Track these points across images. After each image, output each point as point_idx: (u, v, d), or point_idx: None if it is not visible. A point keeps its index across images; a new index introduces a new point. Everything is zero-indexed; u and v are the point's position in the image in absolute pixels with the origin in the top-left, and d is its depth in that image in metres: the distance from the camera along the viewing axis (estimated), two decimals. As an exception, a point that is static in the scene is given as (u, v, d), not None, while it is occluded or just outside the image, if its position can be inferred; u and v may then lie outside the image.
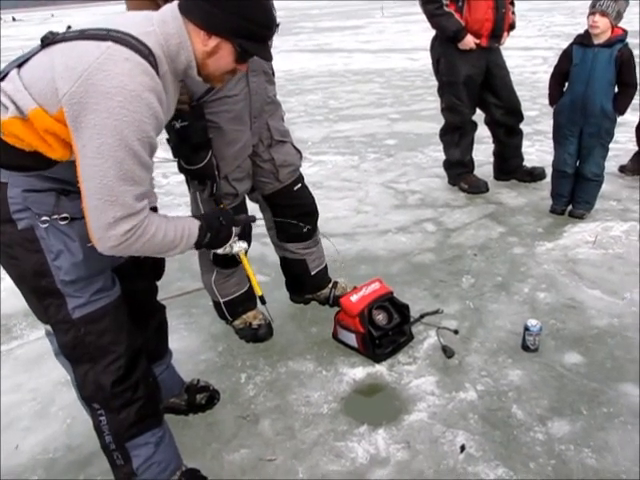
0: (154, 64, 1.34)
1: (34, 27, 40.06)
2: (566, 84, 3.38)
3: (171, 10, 1.43)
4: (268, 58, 1.61)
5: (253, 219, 1.97)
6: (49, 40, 1.36)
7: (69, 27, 1.48)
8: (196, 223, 1.58)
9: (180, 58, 1.43)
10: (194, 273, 2.75)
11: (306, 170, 2.72)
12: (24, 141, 1.34)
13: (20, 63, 1.38)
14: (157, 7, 1.68)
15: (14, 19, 60.16)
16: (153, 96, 1.32)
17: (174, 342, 2.35)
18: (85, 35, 1.33)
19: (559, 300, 2.72)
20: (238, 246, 1.87)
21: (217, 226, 1.68)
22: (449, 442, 1.95)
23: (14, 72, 1.36)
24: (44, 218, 1.41)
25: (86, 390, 1.59)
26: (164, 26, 1.40)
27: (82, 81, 1.25)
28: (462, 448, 1.92)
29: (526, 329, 2.34)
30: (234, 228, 1.78)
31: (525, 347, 2.37)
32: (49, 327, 1.58)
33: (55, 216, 1.42)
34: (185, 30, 1.42)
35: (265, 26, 1.51)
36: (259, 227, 2.83)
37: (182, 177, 2.31)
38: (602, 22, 3.10)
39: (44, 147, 1.35)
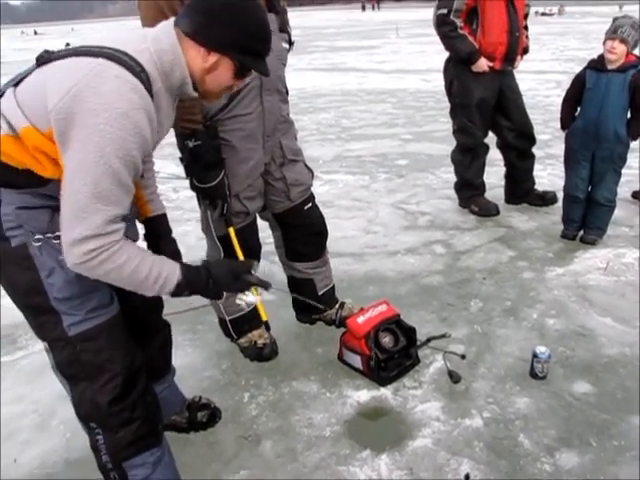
0: (146, 82, 1.33)
1: (54, 40, 40.77)
2: (578, 108, 3.38)
3: (165, 27, 1.42)
4: (265, 73, 1.57)
5: (267, 286, 1.67)
6: (44, 59, 1.36)
7: (67, 45, 1.49)
8: (176, 275, 1.45)
9: (175, 74, 1.41)
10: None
11: (317, 189, 2.72)
12: (15, 159, 1.33)
13: (17, 82, 1.38)
14: None
15: (36, 33, 61.32)
16: (141, 115, 1.30)
17: (178, 358, 2.34)
18: (78, 52, 1.33)
19: (569, 327, 2.68)
20: (244, 302, 1.70)
21: (201, 288, 1.53)
22: (453, 470, 1.91)
23: (10, 91, 1.36)
24: (38, 236, 1.39)
25: (83, 408, 1.57)
26: (157, 43, 1.38)
27: (70, 96, 1.24)
28: (467, 477, 1.87)
29: (534, 356, 2.30)
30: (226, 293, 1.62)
31: (533, 374, 2.33)
32: (46, 344, 1.56)
33: (49, 234, 1.40)
34: (179, 46, 1.40)
35: (263, 40, 1.49)
36: (268, 245, 2.82)
37: (192, 192, 2.31)
38: (620, 49, 3.12)
39: (35, 165, 1.34)
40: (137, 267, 1.37)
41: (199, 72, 1.44)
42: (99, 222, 1.29)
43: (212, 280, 1.53)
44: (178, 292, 1.47)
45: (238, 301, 1.69)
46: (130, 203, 1.39)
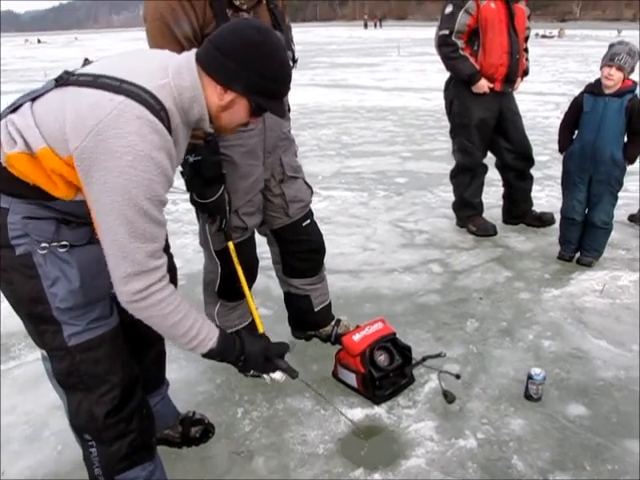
0: (165, 120, 1.34)
1: (58, 49, 41.06)
2: (576, 132, 3.41)
3: (187, 61, 1.42)
4: (282, 115, 1.62)
5: (294, 375, 1.72)
6: (63, 81, 1.37)
7: (86, 60, 1.49)
8: (212, 342, 1.51)
9: (193, 111, 1.43)
10: (198, 304, 2.73)
11: (315, 205, 2.73)
12: (29, 177, 1.34)
13: (34, 97, 1.38)
14: (181, 49, 1.70)
15: (39, 41, 61.83)
16: (163, 154, 1.32)
17: (172, 372, 2.33)
18: (98, 83, 1.32)
19: (564, 349, 2.68)
20: (269, 377, 1.71)
21: (232, 361, 1.61)
22: (446, 491, 1.90)
23: (27, 106, 1.36)
24: (43, 245, 1.40)
25: (78, 420, 1.57)
26: (179, 78, 1.38)
27: (92, 136, 1.25)
28: (459, 499, 1.86)
29: (529, 377, 2.30)
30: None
31: (528, 396, 2.32)
32: (45, 352, 1.56)
33: (55, 243, 1.41)
34: (200, 83, 1.41)
35: (282, 83, 1.50)
36: (265, 260, 2.82)
37: (191, 205, 2.31)
38: (617, 76, 3.16)
39: (48, 185, 1.35)
40: (178, 322, 1.43)
41: (215, 108, 1.46)
42: (140, 258, 1.33)
43: (244, 357, 1.60)
44: (209, 356, 1.55)
45: (265, 376, 1.72)
46: (165, 234, 1.43)
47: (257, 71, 1.41)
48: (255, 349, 1.63)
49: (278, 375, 1.71)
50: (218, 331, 1.53)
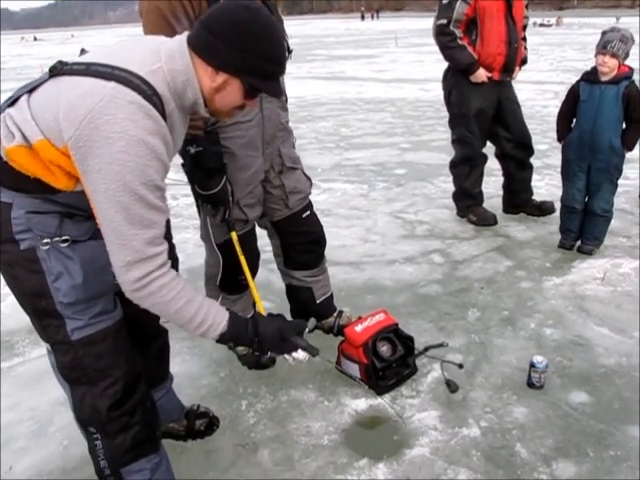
0: (159, 105, 1.33)
1: (54, 47, 40.94)
2: (574, 120, 3.40)
3: (179, 44, 1.40)
4: (278, 95, 1.57)
5: (314, 353, 1.65)
6: (57, 71, 1.36)
7: (82, 50, 1.49)
8: (221, 326, 1.48)
9: (187, 95, 1.41)
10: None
11: (315, 197, 2.73)
12: (28, 170, 1.34)
13: (30, 89, 1.38)
14: (174, 34, 1.70)
15: (35, 39, 61.74)
16: (157, 139, 1.30)
17: (176, 366, 2.33)
18: (90, 71, 1.32)
19: (566, 337, 2.69)
20: (291, 358, 1.64)
21: (245, 343, 1.58)
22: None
23: (24, 99, 1.36)
24: (45, 240, 1.41)
25: (82, 413, 1.58)
26: (171, 62, 1.37)
27: (85, 124, 1.25)
28: (464, 486, 1.87)
29: (532, 365, 2.31)
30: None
31: (530, 384, 2.33)
32: (49, 346, 1.57)
33: (56, 238, 1.42)
34: (192, 66, 1.39)
35: (275, 62, 1.45)
36: (266, 253, 2.82)
37: (191, 199, 2.31)
38: (612, 63, 3.15)
39: (48, 177, 1.35)
40: (182, 308, 1.41)
41: (208, 91, 1.43)
42: (138, 246, 1.32)
43: (257, 338, 1.56)
44: (221, 341, 1.53)
45: (287, 356, 1.65)
46: (165, 221, 1.41)
47: (247, 50, 1.37)
48: (270, 329, 1.58)
49: (301, 355, 1.63)
50: (228, 314, 1.51)
